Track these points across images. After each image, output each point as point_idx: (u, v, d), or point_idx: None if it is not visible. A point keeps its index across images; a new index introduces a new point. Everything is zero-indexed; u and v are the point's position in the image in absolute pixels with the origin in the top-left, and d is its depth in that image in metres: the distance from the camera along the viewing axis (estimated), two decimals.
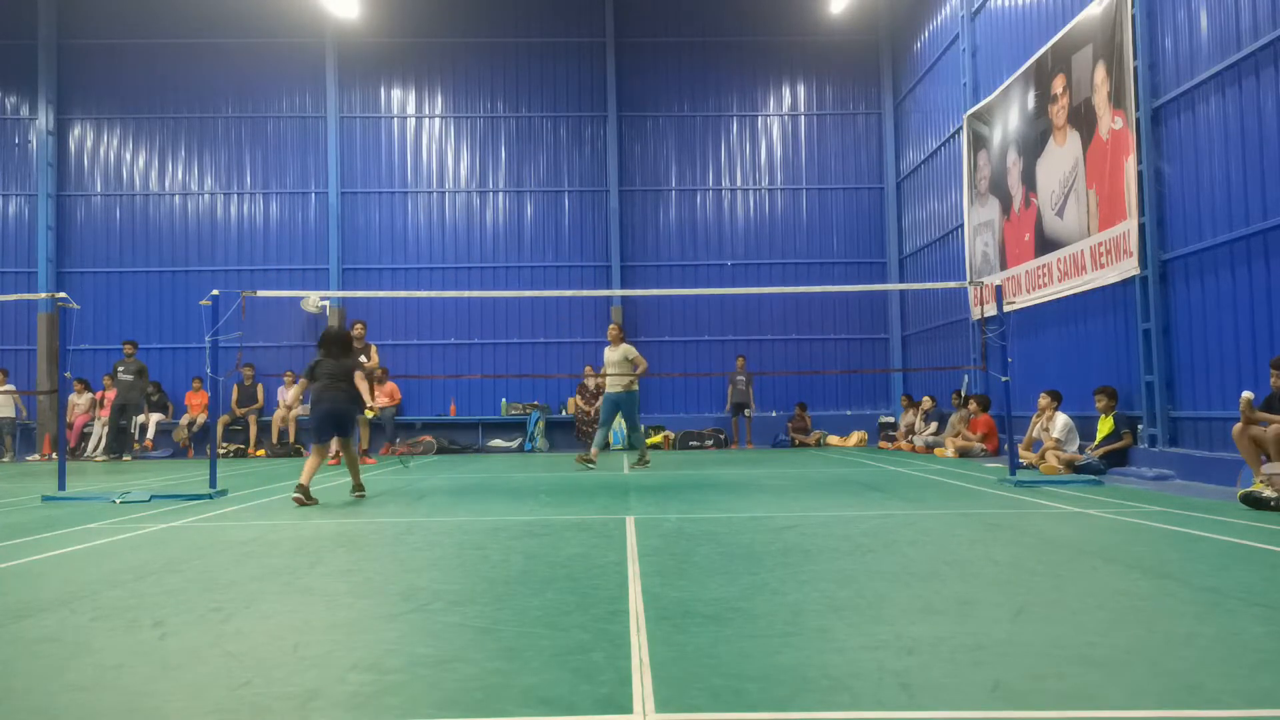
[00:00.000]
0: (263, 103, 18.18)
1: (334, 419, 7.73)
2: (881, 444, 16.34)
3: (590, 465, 11.39)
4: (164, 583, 3.99)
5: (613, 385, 11.68)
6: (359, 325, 12.92)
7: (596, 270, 18.04)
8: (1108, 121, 10.25)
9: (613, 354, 11.74)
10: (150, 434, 16.40)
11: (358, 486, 7.91)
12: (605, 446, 12.29)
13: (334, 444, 8.78)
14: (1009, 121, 12.95)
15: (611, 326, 12.01)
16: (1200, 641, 2.83)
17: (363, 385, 7.92)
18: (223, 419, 16.15)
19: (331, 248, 17.69)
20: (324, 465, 9.13)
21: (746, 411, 16.74)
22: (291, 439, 16.42)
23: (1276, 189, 7.85)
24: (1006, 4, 13.28)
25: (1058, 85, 11.40)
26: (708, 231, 18.29)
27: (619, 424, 16.88)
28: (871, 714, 2.21)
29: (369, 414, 8.13)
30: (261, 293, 9.53)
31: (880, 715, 2.20)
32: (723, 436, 17.11)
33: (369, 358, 12.82)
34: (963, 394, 13.82)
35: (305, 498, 7.21)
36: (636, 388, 11.77)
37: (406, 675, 2.56)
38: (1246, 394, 6.97)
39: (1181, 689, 2.37)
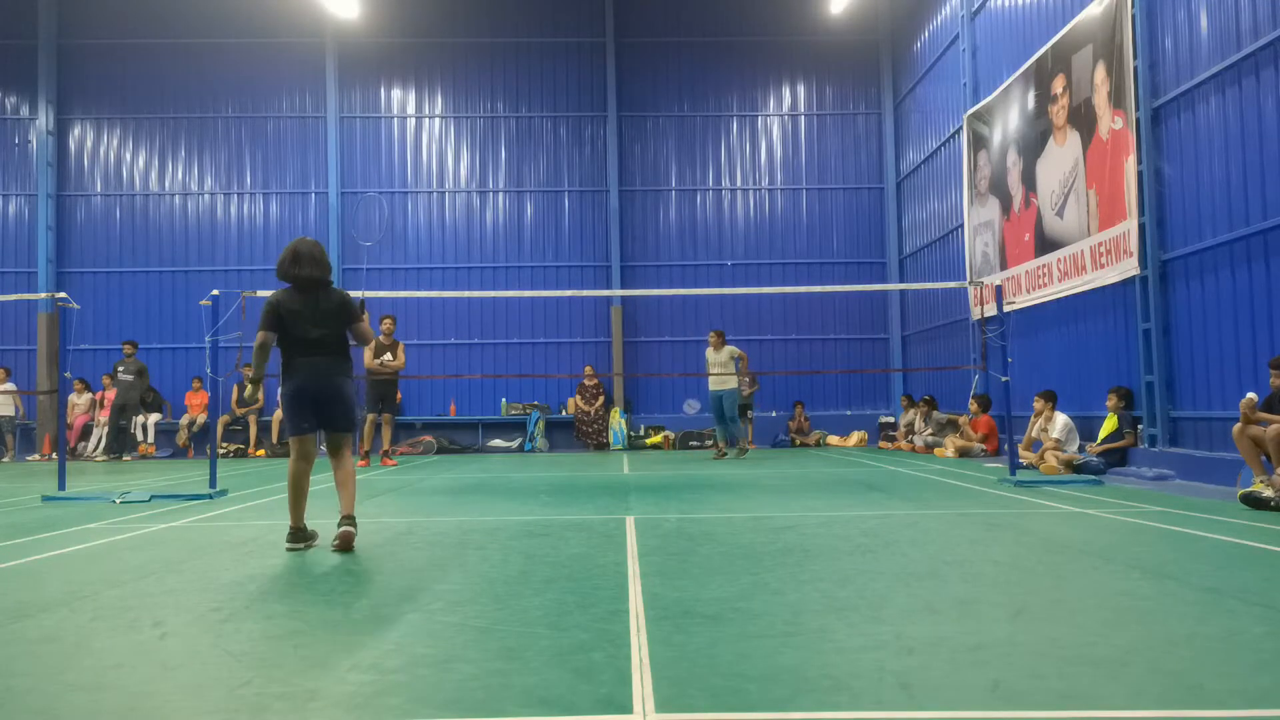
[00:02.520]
0: (263, 103, 18.17)
1: (318, 403, 5.02)
2: (881, 444, 16.34)
3: (737, 454, 12.92)
4: (164, 583, 3.99)
5: (718, 384, 12.96)
6: (388, 320, 12.44)
7: (596, 270, 18.03)
8: (1108, 121, 10.25)
9: (716, 356, 12.98)
10: (150, 436, 16.39)
11: (349, 518, 4.91)
12: (731, 441, 13.31)
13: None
14: (1009, 121, 12.95)
15: (713, 334, 13.21)
16: (1200, 641, 2.83)
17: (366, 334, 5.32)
18: (223, 419, 16.14)
19: (331, 248, 17.67)
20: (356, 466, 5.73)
21: (750, 412, 16.74)
22: None
23: (1276, 189, 7.84)
24: (1006, 4, 13.27)
25: (1058, 85, 11.40)
26: (708, 231, 18.28)
27: (618, 425, 17.03)
28: (871, 714, 2.21)
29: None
30: (261, 293, 9.47)
31: (880, 715, 2.20)
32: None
33: (395, 356, 12.28)
34: (971, 393, 13.73)
35: (300, 538, 4.94)
36: (736, 385, 13.04)
37: (406, 675, 2.56)
38: (1250, 396, 6.97)
39: (1181, 689, 2.37)
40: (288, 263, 5.04)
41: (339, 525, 4.89)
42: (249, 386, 5.34)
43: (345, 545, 4.80)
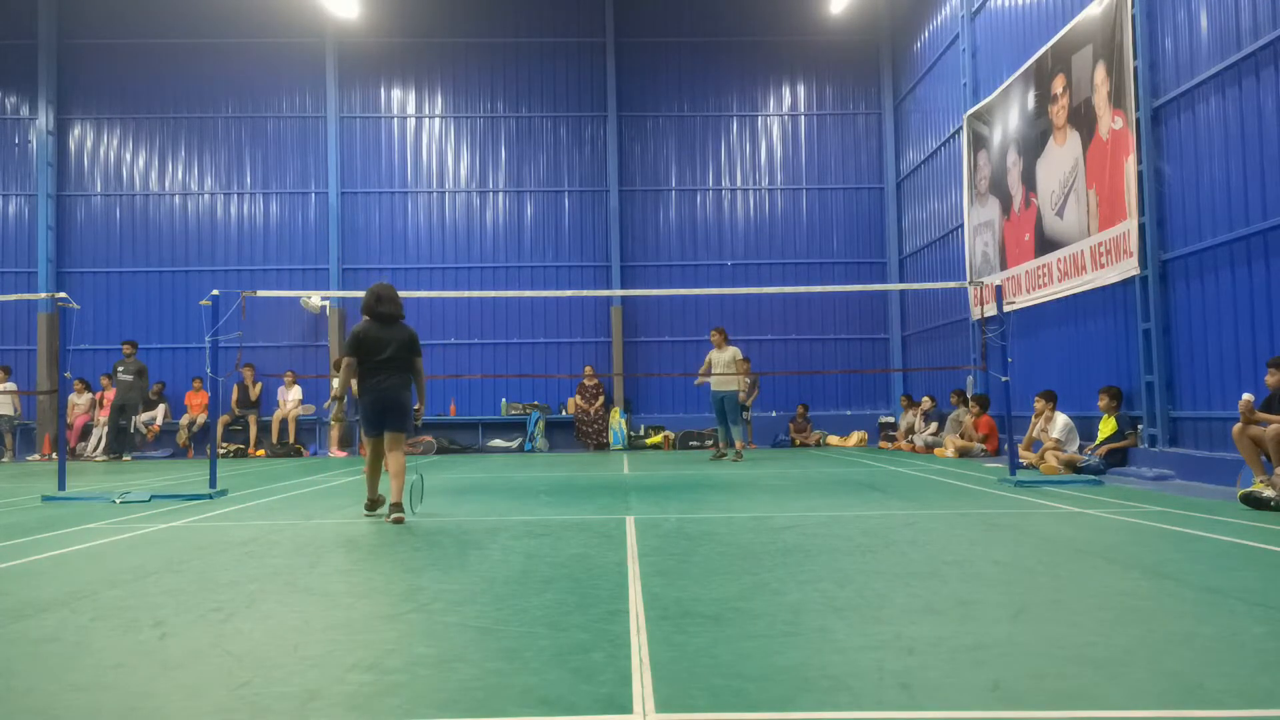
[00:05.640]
0: (263, 103, 18.17)
1: (384, 408, 6.42)
2: (881, 444, 16.33)
3: (734, 457, 12.62)
4: (164, 583, 3.99)
5: (720, 385, 12.64)
6: None
7: (596, 270, 18.03)
8: (1108, 121, 10.25)
9: (721, 355, 12.73)
10: (158, 420, 16.40)
11: (397, 505, 6.15)
12: (729, 442, 12.98)
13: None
14: (1009, 121, 12.95)
15: (714, 332, 12.89)
16: (1200, 641, 2.83)
17: (421, 379, 6.63)
18: (223, 419, 16.14)
19: (331, 248, 17.68)
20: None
21: (746, 414, 16.73)
22: (291, 439, 16.42)
23: (1276, 189, 7.84)
24: (1006, 4, 13.27)
25: (1058, 85, 11.40)
26: (708, 231, 18.28)
27: (619, 425, 17.03)
28: (871, 714, 2.21)
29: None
30: (261, 293, 9.54)
31: (880, 715, 2.20)
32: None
33: None
34: (967, 395, 13.80)
35: (375, 507, 6.49)
36: (737, 387, 12.71)
37: (406, 675, 2.56)
38: (1247, 396, 6.98)
39: (1181, 689, 2.37)
40: (374, 302, 6.38)
41: (390, 511, 6.09)
42: (335, 405, 7.33)
43: (399, 522, 5.99)
